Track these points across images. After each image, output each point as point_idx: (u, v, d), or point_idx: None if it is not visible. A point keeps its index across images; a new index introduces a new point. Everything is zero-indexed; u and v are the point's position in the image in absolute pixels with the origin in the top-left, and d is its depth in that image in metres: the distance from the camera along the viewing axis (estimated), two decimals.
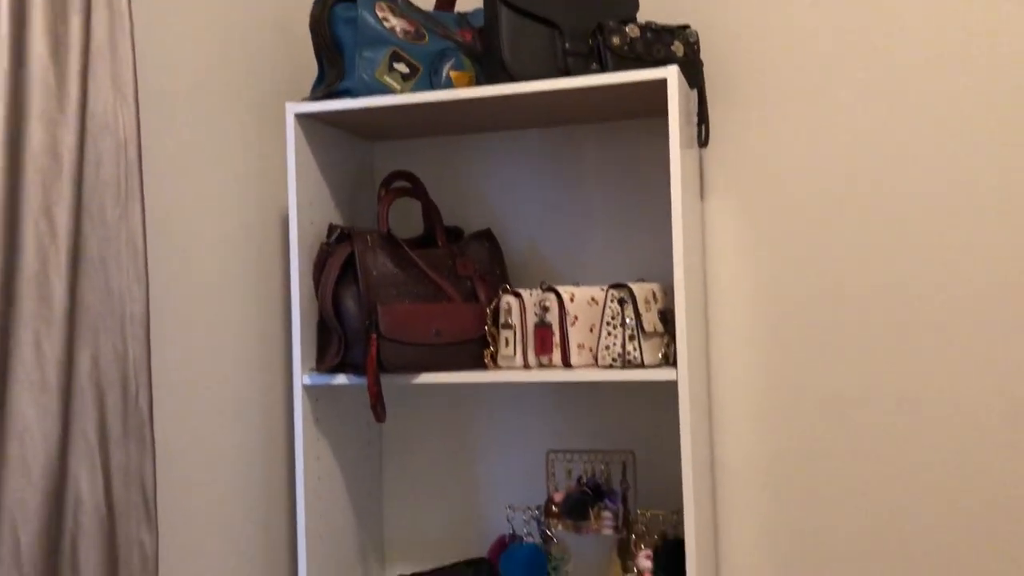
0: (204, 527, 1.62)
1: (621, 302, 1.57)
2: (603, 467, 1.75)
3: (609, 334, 1.58)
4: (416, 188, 1.82)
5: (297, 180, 1.70)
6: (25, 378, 1.26)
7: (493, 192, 1.93)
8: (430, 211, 1.82)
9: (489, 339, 1.67)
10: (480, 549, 1.87)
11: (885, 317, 1.73)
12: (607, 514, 1.71)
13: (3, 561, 1.23)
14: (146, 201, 1.43)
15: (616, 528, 1.70)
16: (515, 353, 1.62)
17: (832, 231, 1.76)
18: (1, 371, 1.24)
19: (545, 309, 1.61)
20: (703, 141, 1.74)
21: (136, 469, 1.39)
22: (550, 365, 1.61)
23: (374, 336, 1.59)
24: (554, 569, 1.75)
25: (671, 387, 1.54)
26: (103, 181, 1.37)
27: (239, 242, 1.73)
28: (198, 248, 1.63)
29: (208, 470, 1.63)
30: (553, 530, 1.74)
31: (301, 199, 1.71)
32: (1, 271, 1.24)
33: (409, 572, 1.78)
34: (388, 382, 1.61)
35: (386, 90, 1.66)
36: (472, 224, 1.90)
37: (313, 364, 1.71)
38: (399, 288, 1.67)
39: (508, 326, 1.63)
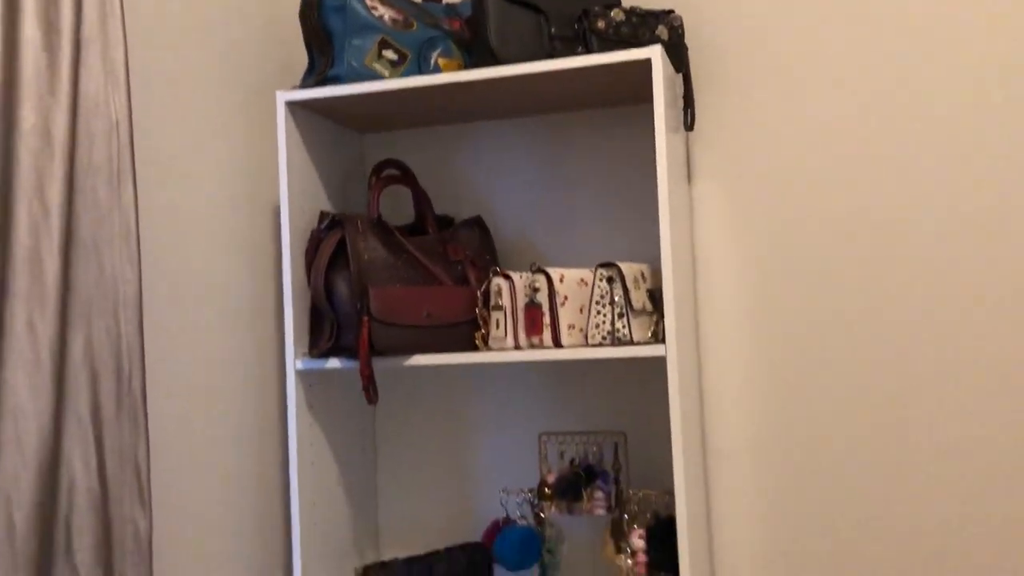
0: (198, 511, 1.62)
1: (610, 281, 1.59)
2: (595, 448, 1.76)
3: (598, 312, 1.59)
4: (406, 176, 1.83)
5: (288, 168, 1.72)
6: (19, 356, 1.27)
7: (483, 180, 1.94)
8: (420, 199, 1.84)
9: (480, 321, 1.68)
10: (475, 533, 1.87)
11: (873, 293, 1.74)
12: (600, 495, 1.72)
13: None
14: (138, 185, 1.45)
15: (609, 508, 1.71)
16: (506, 334, 1.63)
17: (818, 211, 1.78)
18: None
19: (535, 290, 1.62)
20: (689, 125, 1.75)
21: (130, 450, 1.40)
22: (540, 345, 1.62)
23: (366, 319, 1.60)
24: (548, 551, 1.76)
25: (661, 366, 1.55)
26: (95, 163, 1.38)
27: (231, 228, 1.75)
28: (190, 233, 1.65)
29: (201, 455, 1.64)
30: (546, 512, 1.75)
31: (292, 187, 1.73)
32: None
33: (403, 556, 1.78)
34: (380, 365, 1.63)
35: (375, 76, 1.68)
36: (462, 212, 1.91)
37: (306, 349, 1.72)
38: (390, 272, 1.69)
39: (499, 308, 1.65)
